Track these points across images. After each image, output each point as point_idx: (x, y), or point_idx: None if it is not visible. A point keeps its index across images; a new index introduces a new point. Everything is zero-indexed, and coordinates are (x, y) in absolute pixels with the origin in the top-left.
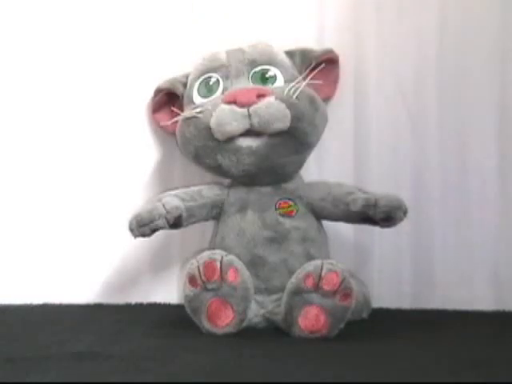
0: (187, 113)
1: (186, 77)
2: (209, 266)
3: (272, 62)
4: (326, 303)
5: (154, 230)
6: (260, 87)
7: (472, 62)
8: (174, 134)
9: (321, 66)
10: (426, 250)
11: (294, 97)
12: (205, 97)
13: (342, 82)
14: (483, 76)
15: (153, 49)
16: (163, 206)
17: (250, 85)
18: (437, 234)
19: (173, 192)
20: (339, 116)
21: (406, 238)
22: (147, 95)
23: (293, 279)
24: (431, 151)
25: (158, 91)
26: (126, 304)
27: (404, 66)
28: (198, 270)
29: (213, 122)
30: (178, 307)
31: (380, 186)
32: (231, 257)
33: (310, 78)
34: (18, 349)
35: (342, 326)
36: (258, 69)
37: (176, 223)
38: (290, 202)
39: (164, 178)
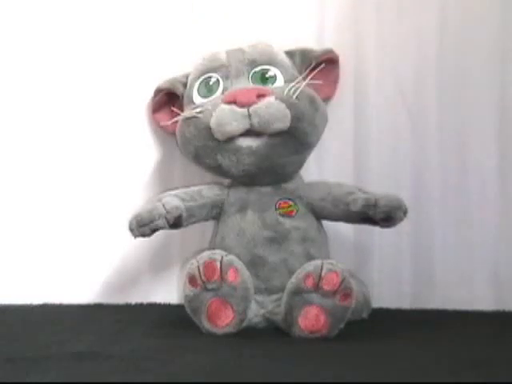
0: (187, 113)
1: (186, 77)
2: (209, 266)
3: (272, 62)
4: (326, 303)
5: (154, 230)
6: (260, 87)
7: (472, 62)
8: (174, 134)
9: (321, 66)
10: (426, 250)
11: (294, 97)
12: (205, 97)
13: (342, 82)
14: (483, 76)
15: (153, 49)
16: (163, 205)
17: (250, 85)
18: (437, 234)
19: (173, 192)
20: (339, 116)
21: (405, 238)
22: (147, 95)
23: (293, 279)
24: (431, 151)
25: (157, 91)
26: (125, 304)
27: (404, 66)
28: (198, 270)
29: (213, 122)
30: (178, 307)
31: (380, 186)
32: (231, 257)
33: (310, 78)
34: (17, 349)
35: (342, 326)
36: (258, 69)
37: (176, 223)
38: (290, 202)
39: (164, 178)
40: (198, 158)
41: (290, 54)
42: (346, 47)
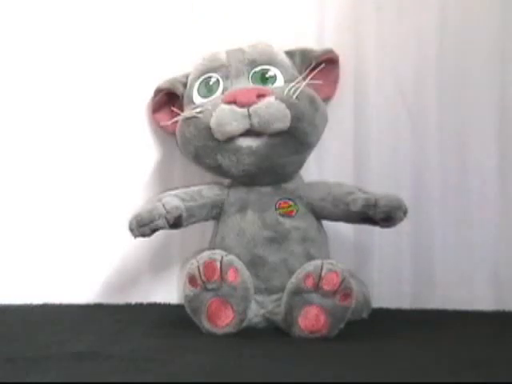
0: (187, 113)
1: (186, 77)
2: (209, 266)
3: (272, 62)
4: (326, 303)
5: (154, 230)
6: (260, 87)
7: (472, 62)
8: (174, 134)
9: (321, 66)
10: (426, 250)
11: (294, 97)
12: (205, 97)
13: (342, 81)
14: (483, 76)
15: (153, 49)
16: (163, 205)
17: (250, 85)
18: (437, 234)
19: (173, 192)
20: (339, 116)
21: (406, 238)
22: (147, 95)
23: (293, 279)
24: (431, 151)
25: (157, 91)
26: (125, 304)
27: (404, 66)
28: (198, 270)
29: (213, 122)
30: (178, 307)
31: (380, 186)
32: (231, 257)
33: (310, 78)
34: (17, 349)
35: (342, 326)
36: (258, 69)
37: (176, 223)
38: (290, 202)
39: (164, 178)
40: (198, 157)
41: (290, 54)
42: (345, 47)
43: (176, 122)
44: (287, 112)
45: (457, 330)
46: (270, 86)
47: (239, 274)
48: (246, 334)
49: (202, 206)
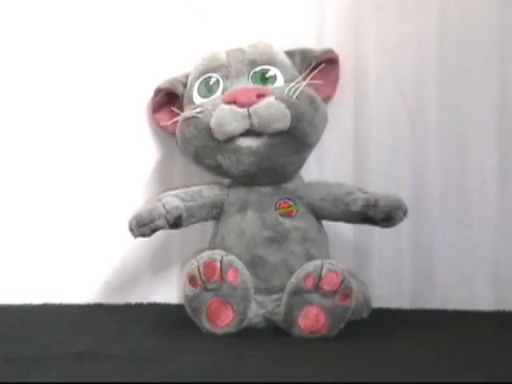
0: (187, 113)
1: (186, 77)
2: (209, 266)
3: (272, 62)
4: (326, 303)
5: (154, 230)
6: (260, 87)
7: (472, 62)
8: (174, 134)
9: (321, 66)
10: (426, 250)
11: (294, 97)
12: (205, 97)
13: (342, 82)
14: (483, 76)
15: (153, 49)
16: (163, 205)
17: (250, 85)
18: (437, 234)
19: (173, 192)
20: (339, 116)
21: (406, 238)
22: (147, 95)
23: (293, 279)
24: (431, 151)
25: (157, 91)
26: (125, 304)
27: (404, 66)
28: (198, 270)
29: (213, 122)
30: (178, 307)
31: (380, 186)
32: (231, 257)
33: (310, 78)
34: (17, 349)
35: (342, 326)
36: (258, 69)
37: (176, 223)
38: (290, 202)
39: (164, 178)
40: (198, 157)
41: (290, 54)
42: (346, 47)
43: (176, 121)
44: (287, 112)
45: (457, 330)
46: (270, 86)
47: (239, 274)
48: (246, 334)
49: (202, 206)
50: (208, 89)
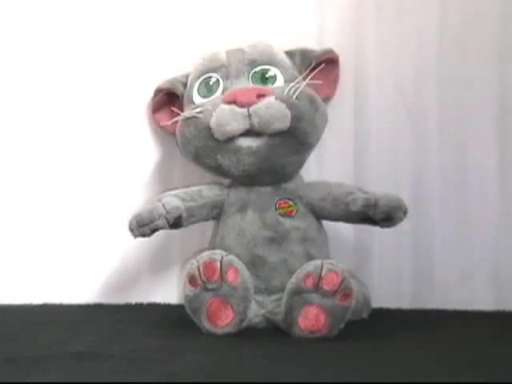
0: (187, 113)
1: (186, 77)
2: (209, 266)
3: (272, 62)
4: (326, 303)
5: (154, 230)
6: (260, 87)
7: (472, 62)
8: (174, 134)
9: (321, 66)
10: (426, 250)
11: (294, 97)
12: (205, 97)
13: (342, 81)
14: (483, 76)
15: (153, 49)
16: (163, 206)
17: (250, 85)
18: (437, 233)
19: (173, 192)
20: (339, 116)
21: (405, 238)
22: (147, 95)
23: (293, 279)
24: (431, 151)
25: (157, 91)
26: (125, 304)
27: (404, 66)
28: (198, 269)
29: (213, 122)
30: (178, 307)
31: (380, 186)
32: (231, 257)
33: (310, 78)
34: (17, 349)
35: (342, 326)
36: (258, 69)
37: (176, 223)
38: (290, 202)
39: (164, 178)
40: (198, 157)
41: (290, 54)
42: (346, 47)
43: (176, 121)
44: (287, 112)
45: (457, 330)
46: (270, 86)
47: (239, 274)
48: (246, 334)
49: (202, 206)
50: (208, 89)
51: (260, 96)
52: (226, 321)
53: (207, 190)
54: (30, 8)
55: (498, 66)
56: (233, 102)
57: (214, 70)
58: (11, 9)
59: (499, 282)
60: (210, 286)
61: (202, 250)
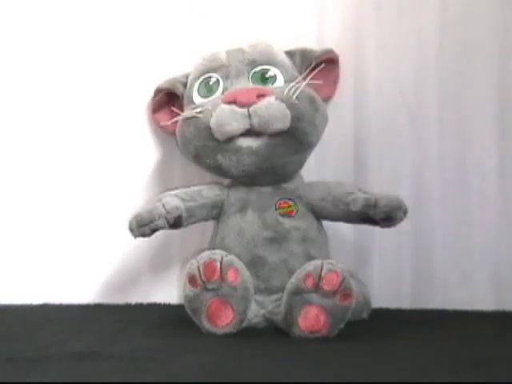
0: (187, 113)
1: (186, 77)
2: (209, 266)
3: (272, 62)
4: (326, 303)
5: (153, 230)
6: (260, 87)
7: (472, 62)
8: (174, 134)
9: (321, 66)
10: (426, 250)
11: (294, 97)
12: (205, 97)
13: (342, 81)
14: (483, 76)
15: (153, 49)
16: (163, 206)
17: (250, 85)
18: (437, 233)
19: (173, 192)
20: (339, 116)
21: (405, 238)
22: (147, 95)
23: (293, 279)
24: (431, 151)
25: (157, 91)
26: (125, 304)
27: (404, 66)
28: (198, 270)
29: (213, 122)
30: (178, 307)
31: (380, 186)
32: (231, 257)
33: (310, 78)
34: (17, 349)
35: (342, 326)
36: (258, 69)
37: (176, 223)
38: (290, 202)
39: (164, 178)
40: (198, 157)
41: (290, 54)
42: (346, 47)
43: (176, 121)
44: (287, 112)
45: (457, 330)
46: (270, 86)
47: (239, 274)
48: (246, 334)
49: (202, 206)
50: (208, 89)
51: (260, 96)
52: (226, 321)
53: (207, 190)
54: (30, 8)
55: (497, 65)
56: (233, 101)
57: (214, 70)
58: (11, 9)
59: (499, 281)
60: (209, 286)
61: (202, 250)
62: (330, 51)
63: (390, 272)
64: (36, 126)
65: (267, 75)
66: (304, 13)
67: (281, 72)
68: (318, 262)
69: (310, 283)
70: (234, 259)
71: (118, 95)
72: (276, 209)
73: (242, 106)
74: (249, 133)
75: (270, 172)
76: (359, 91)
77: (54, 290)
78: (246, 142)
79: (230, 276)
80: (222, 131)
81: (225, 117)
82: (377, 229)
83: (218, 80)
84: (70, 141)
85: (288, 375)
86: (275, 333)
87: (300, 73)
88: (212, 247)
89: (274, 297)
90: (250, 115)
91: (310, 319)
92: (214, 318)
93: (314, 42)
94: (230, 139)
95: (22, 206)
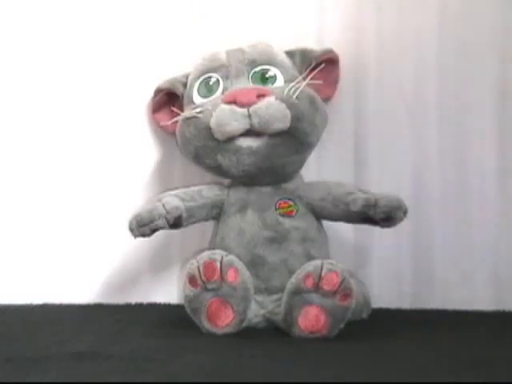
0: (187, 113)
1: (186, 77)
2: (209, 266)
3: (272, 62)
4: (326, 303)
5: (153, 230)
6: (260, 87)
7: (472, 62)
8: (174, 134)
9: (321, 66)
10: (426, 250)
11: (294, 97)
12: (205, 97)
13: (342, 82)
14: (483, 75)
15: (153, 49)
16: (163, 206)
17: (250, 85)
18: (437, 234)
19: (173, 192)
20: (339, 116)
21: (405, 238)
22: (147, 95)
23: (293, 279)
24: (431, 151)
25: (157, 91)
26: (125, 304)
27: (404, 66)
28: (198, 270)
29: (213, 122)
30: (178, 307)
31: (380, 186)
32: (231, 257)
33: (310, 78)
34: (17, 349)
35: (342, 326)
36: (258, 69)
37: (176, 223)
38: (290, 202)
39: (164, 178)
40: (198, 157)
41: (290, 54)
42: (346, 47)
43: (176, 121)
44: (287, 112)
45: (457, 330)
46: (270, 86)
47: (239, 274)
48: (246, 334)
49: (202, 206)
50: (208, 89)
51: (260, 96)
52: (226, 321)
53: (207, 190)
54: (30, 8)
55: (497, 65)
56: (233, 101)
57: (214, 70)
58: (11, 9)
59: (499, 281)
60: (210, 286)
61: (202, 250)
62: (330, 51)
63: (390, 272)
64: (36, 126)
65: (267, 75)
66: (304, 13)
67: (281, 72)
68: (317, 262)
69: (310, 283)
70: (234, 259)
71: (118, 95)
72: (276, 209)
73: (241, 105)
74: (249, 133)
75: (270, 172)
76: (359, 91)
77: (53, 290)
78: (246, 142)
79: (230, 276)
80: (222, 131)
81: (225, 117)
82: (377, 229)
83: (217, 80)
84: (70, 141)
85: (288, 375)
86: (275, 333)
87: (300, 73)
88: (212, 247)
89: (274, 297)
90: (250, 115)
91: (310, 319)
92: (214, 317)
93: (314, 42)
94: (230, 139)
95: (22, 206)
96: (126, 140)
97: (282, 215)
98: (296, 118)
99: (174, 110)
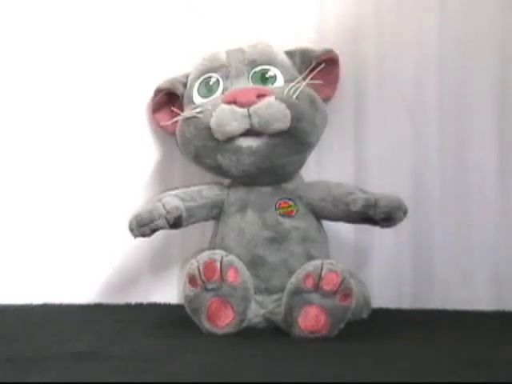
0: (187, 113)
1: (186, 77)
2: (209, 266)
3: (272, 62)
4: (326, 303)
5: (153, 230)
6: (260, 87)
7: (472, 62)
8: (174, 134)
9: (321, 66)
10: (426, 250)
11: (294, 97)
12: (205, 97)
13: (342, 81)
14: (483, 76)
15: (153, 49)
16: (163, 206)
17: (250, 85)
18: (437, 234)
19: (173, 192)
20: (339, 116)
21: (405, 238)
22: (147, 95)
23: (293, 279)
24: (431, 151)
25: (157, 91)
26: (125, 304)
27: (404, 66)
28: (198, 270)
29: (213, 122)
30: (178, 307)
31: (380, 186)
32: (231, 257)
33: (310, 78)
34: (17, 349)
35: (342, 326)
36: (258, 69)
37: (176, 223)
38: (290, 202)
39: (164, 178)
40: (198, 157)
41: (290, 54)
42: (346, 47)
43: (176, 121)
44: (287, 112)
45: (457, 330)
46: (270, 86)
47: (239, 274)
48: (246, 334)
49: (202, 206)
50: (208, 89)
51: (260, 96)
52: (226, 321)
53: (207, 190)
54: (30, 8)
55: (498, 65)
56: (233, 101)
57: (214, 70)
58: (11, 9)
59: (499, 281)
60: (210, 286)
61: (202, 250)
62: (330, 51)
63: (390, 272)
64: (36, 126)
65: (267, 75)
66: (304, 13)
67: (281, 72)
68: (317, 262)
69: (310, 283)
70: (234, 259)
71: (118, 95)
72: (276, 209)
73: (241, 105)
74: (249, 133)
75: (270, 172)
76: (359, 91)
77: (53, 289)
78: (246, 142)
79: (230, 276)
80: (222, 131)
81: (225, 117)
82: (377, 229)
83: (217, 80)
84: (70, 141)
85: (288, 375)
86: (275, 333)
87: (300, 73)
88: (212, 247)
89: (274, 297)
90: (250, 115)
91: (310, 319)
92: (214, 318)
93: (313, 42)
94: (230, 139)
95: (22, 206)
96: (126, 140)
97: (282, 215)
98: (296, 118)
99: (174, 110)
